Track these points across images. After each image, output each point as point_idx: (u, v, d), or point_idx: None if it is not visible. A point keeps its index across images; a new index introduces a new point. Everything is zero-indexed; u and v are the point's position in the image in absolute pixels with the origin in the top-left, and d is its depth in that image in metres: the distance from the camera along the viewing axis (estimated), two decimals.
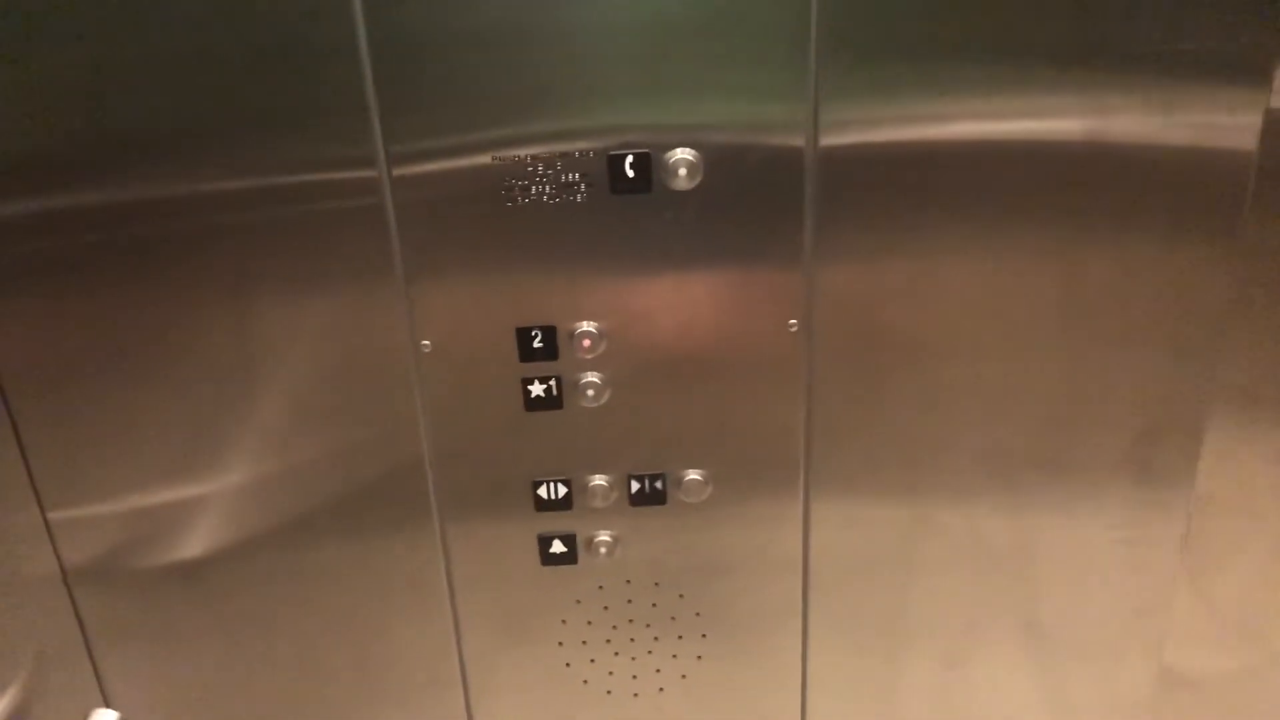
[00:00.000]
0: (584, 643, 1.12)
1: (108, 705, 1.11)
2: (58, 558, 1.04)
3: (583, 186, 0.90)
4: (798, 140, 0.89)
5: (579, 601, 1.09)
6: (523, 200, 0.90)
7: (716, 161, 0.89)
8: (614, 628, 1.11)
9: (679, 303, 0.95)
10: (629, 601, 1.10)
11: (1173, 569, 1.09)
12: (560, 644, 1.12)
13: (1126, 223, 0.93)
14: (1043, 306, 0.97)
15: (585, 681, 1.14)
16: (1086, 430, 1.02)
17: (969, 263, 0.95)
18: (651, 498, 1.04)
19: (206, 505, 1.03)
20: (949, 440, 1.03)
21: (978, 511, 1.06)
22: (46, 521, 1.02)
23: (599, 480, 1.03)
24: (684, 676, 1.14)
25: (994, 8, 0.85)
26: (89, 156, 0.88)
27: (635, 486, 1.03)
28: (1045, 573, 1.10)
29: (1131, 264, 0.95)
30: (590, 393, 0.98)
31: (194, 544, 1.05)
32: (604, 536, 1.06)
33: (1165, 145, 0.90)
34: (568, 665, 1.13)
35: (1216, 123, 0.89)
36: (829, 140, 0.89)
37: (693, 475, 1.03)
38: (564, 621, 1.10)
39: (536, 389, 0.98)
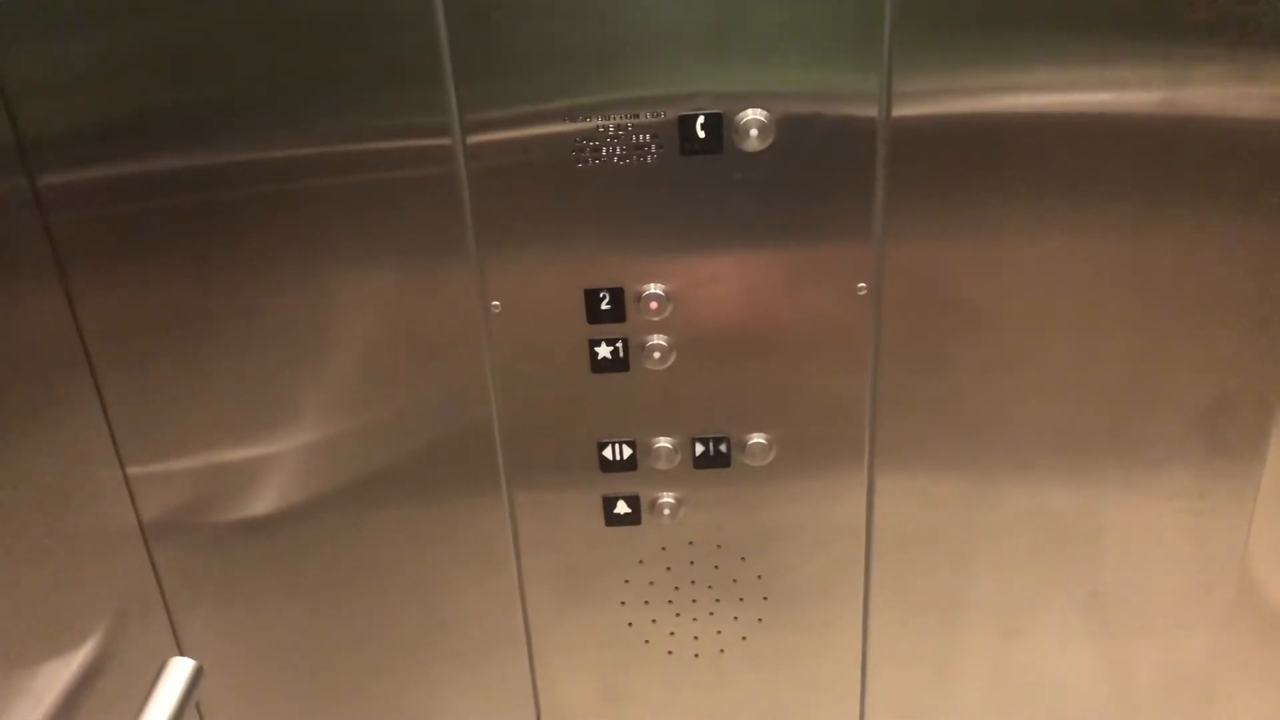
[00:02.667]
0: (646, 603, 1.13)
1: (182, 655, 1.14)
2: (136, 513, 1.07)
3: (653, 148, 0.90)
4: (870, 110, 0.89)
5: (642, 562, 1.11)
6: (593, 162, 0.91)
7: (788, 125, 0.89)
8: (676, 589, 1.12)
9: (747, 265, 0.96)
10: (691, 563, 1.11)
11: (1241, 543, 1.08)
12: (623, 604, 1.13)
13: (1200, 195, 0.92)
14: (1113, 278, 0.96)
15: (647, 641, 1.15)
16: (1155, 403, 1.02)
17: (1039, 234, 0.94)
18: (715, 460, 1.05)
19: (279, 464, 1.05)
20: (1015, 411, 1.02)
21: (1042, 483, 1.06)
22: (126, 477, 1.05)
23: (663, 442, 1.04)
24: (744, 639, 1.15)
25: None
26: (169, 123, 0.90)
27: (699, 449, 1.04)
28: (1109, 545, 1.09)
29: (1204, 237, 0.94)
30: (656, 355, 0.99)
31: (266, 501, 1.07)
32: (667, 498, 1.07)
33: (1242, 117, 0.89)
34: (630, 625, 1.14)
35: None
36: (901, 110, 0.89)
37: (757, 439, 1.03)
38: (627, 582, 1.12)
39: (603, 350, 0.99)
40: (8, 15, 0.86)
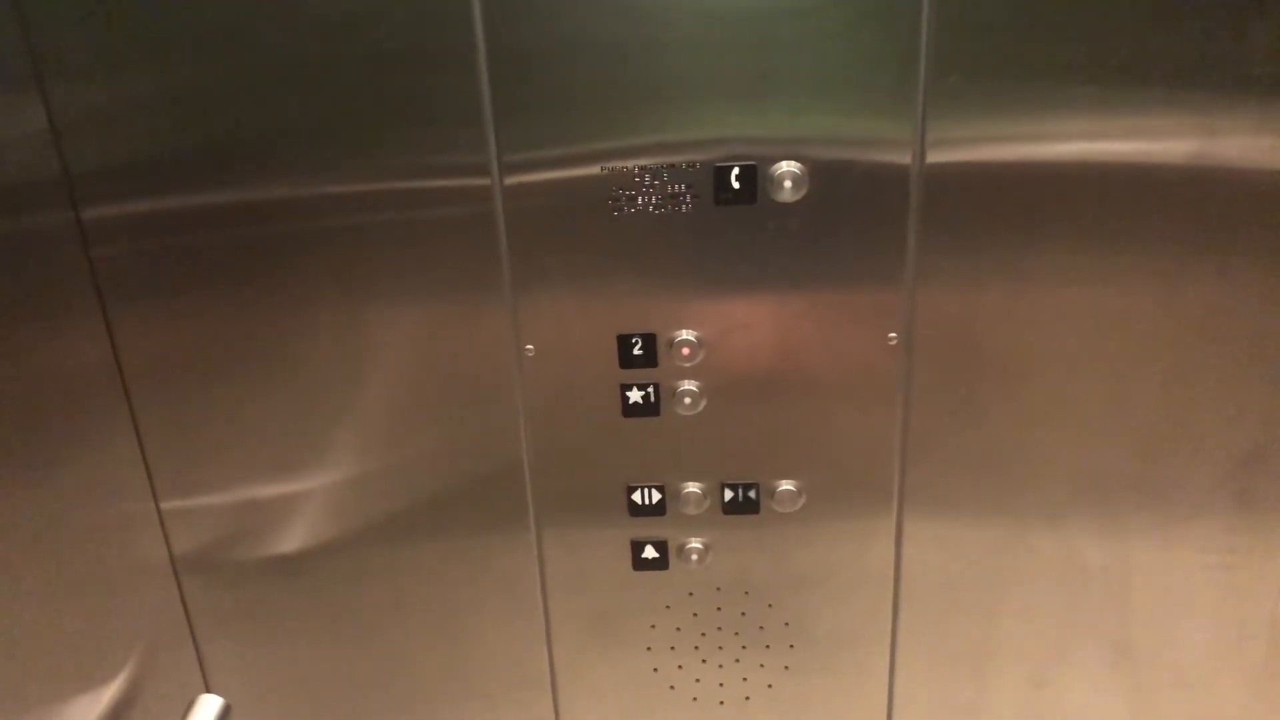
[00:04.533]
0: (672, 648, 1.13)
1: (209, 691, 1.14)
2: (168, 547, 1.08)
3: (688, 197, 0.91)
4: (903, 157, 0.90)
5: (669, 607, 1.11)
6: (629, 210, 0.92)
7: (821, 175, 0.90)
8: (702, 635, 1.12)
9: (778, 314, 0.96)
10: (718, 609, 1.10)
11: (1272, 597, 1.07)
12: (649, 649, 1.13)
13: (1231, 246, 0.92)
14: (1144, 329, 0.96)
15: (672, 687, 1.15)
16: (1185, 454, 1.01)
17: (1071, 283, 0.94)
18: (744, 506, 1.05)
19: (311, 500, 1.06)
20: (1045, 461, 1.02)
21: (1072, 533, 1.05)
22: (159, 511, 1.06)
23: (693, 487, 1.04)
24: (770, 687, 1.14)
25: (1103, 28, 0.85)
26: (212, 160, 0.92)
27: (729, 495, 1.04)
28: (1139, 596, 1.08)
29: (1236, 287, 0.94)
30: (687, 400, 0.99)
31: (297, 538, 1.08)
32: (696, 543, 1.07)
33: (1275, 168, 0.89)
34: (655, 670, 1.14)
35: None
36: (934, 158, 0.90)
37: (786, 486, 1.03)
38: (653, 627, 1.12)
39: (635, 395, 1.00)
40: (57, 54, 0.88)
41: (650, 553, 1.07)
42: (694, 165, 0.90)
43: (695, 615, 1.11)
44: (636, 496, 1.05)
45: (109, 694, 0.98)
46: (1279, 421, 0.99)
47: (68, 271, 0.94)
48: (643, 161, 0.90)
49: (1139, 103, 0.87)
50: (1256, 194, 0.90)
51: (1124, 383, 0.98)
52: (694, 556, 1.07)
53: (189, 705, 0.94)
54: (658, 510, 1.05)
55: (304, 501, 1.06)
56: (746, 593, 1.09)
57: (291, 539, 1.08)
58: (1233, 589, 1.07)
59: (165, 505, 1.06)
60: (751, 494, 1.04)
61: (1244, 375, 0.97)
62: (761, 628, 1.11)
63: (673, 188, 0.91)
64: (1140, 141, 0.89)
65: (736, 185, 0.90)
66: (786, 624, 1.11)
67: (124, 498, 1.03)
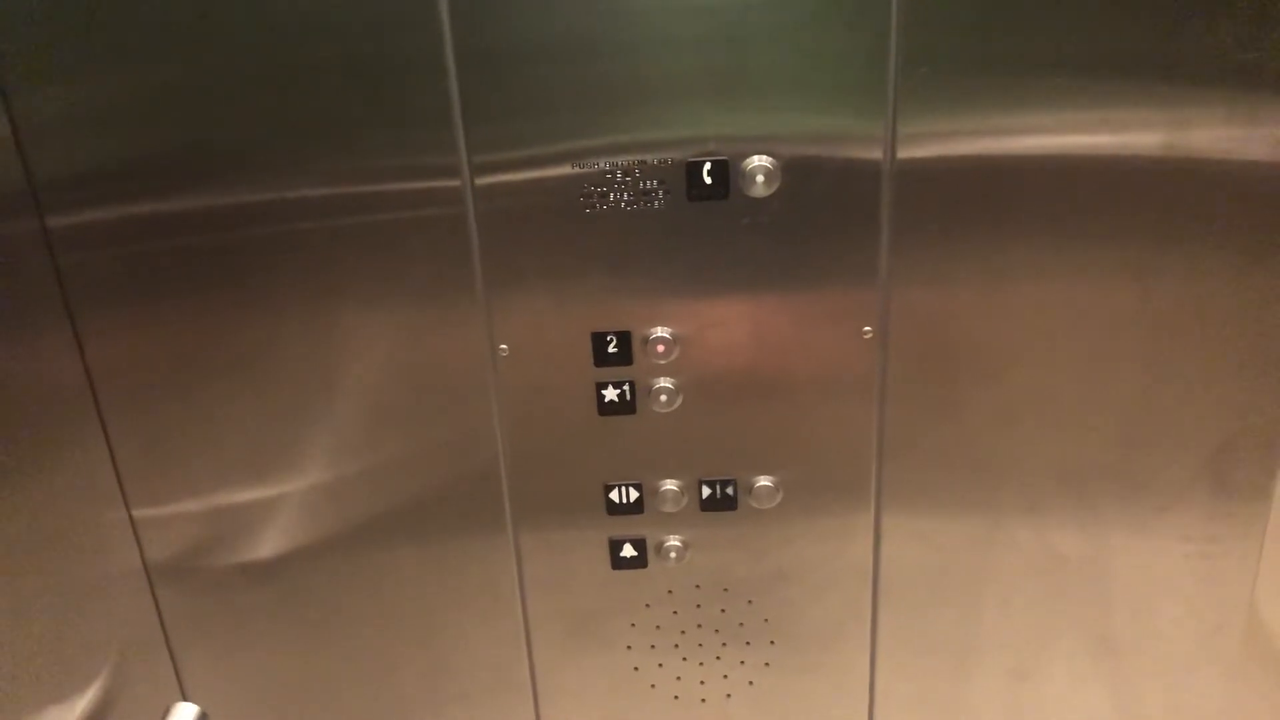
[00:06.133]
0: (652, 647, 1.12)
1: (185, 699, 1.13)
2: (141, 554, 1.07)
3: (660, 193, 0.91)
4: (875, 153, 0.90)
5: (648, 606, 1.10)
6: (601, 207, 0.92)
7: (794, 170, 0.90)
8: (682, 633, 1.12)
9: (753, 309, 0.96)
10: (698, 607, 1.10)
11: (1249, 585, 1.08)
12: (629, 648, 1.13)
13: (1204, 236, 0.93)
14: (1119, 320, 0.96)
15: (653, 686, 1.15)
16: (1162, 445, 1.01)
17: (1045, 276, 0.95)
18: (722, 503, 1.04)
19: (285, 505, 1.05)
20: (1022, 453, 1.02)
21: (1050, 525, 1.06)
22: (132, 519, 1.05)
23: (670, 485, 1.04)
24: (751, 683, 1.14)
25: (1073, 21, 0.85)
26: (179, 166, 0.91)
27: (706, 492, 1.04)
28: (1118, 587, 1.08)
29: (1209, 278, 0.94)
30: (663, 398, 0.99)
31: (272, 543, 1.07)
32: (674, 541, 1.07)
33: (1246, 159, 0.90)
34: (636, 669, 1.14)
35: None
36: (906, 153, 0.90)
37: (764, 482, 1.03)
38: (633, 625, 1.11)
39: (610, 393, 0.99)
40: (19, 58, 0.87)
41: (629, 551, 1.07)
42: (666, 161, 0.90)
43: (675, 613, 1.11)
44: (614, 495, 1.04)
45: (83, 703, 0.97)
46: (1254, 409, 1.00)
47: (35, 280, 0.93)
48: (614, 158, 0.90)
49: (1110, 95, 0.88)
50: (1228, 185, 0.90)
51: (1100, 374, 0.99)
52: (673, 554, 1.07)
53: (165, 713, 0.94)
54: (635, 508, 1.05)
55: (278, 506, 1.05)
56: (726, 590, 1.09)
57: (266, 544, 1.07)
58: (1211, 577, 1.08)
59: (138, 513, 1.05)
60: (729, 490, 1.04)
61: (1218, 364, 0.98)
62: (741, 624, 1.11)
63: (645, 184, 0.91)
64: (1111, 134, 0.89)
65: (709, 181, 0.90)
66: (766, 620, 1.11)
67: (96, 506, 1.01)
